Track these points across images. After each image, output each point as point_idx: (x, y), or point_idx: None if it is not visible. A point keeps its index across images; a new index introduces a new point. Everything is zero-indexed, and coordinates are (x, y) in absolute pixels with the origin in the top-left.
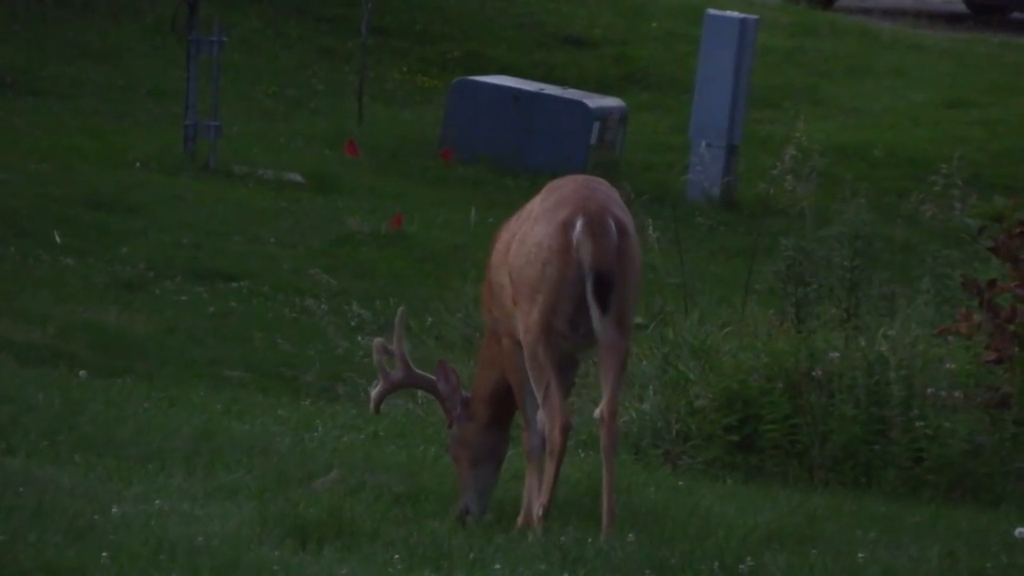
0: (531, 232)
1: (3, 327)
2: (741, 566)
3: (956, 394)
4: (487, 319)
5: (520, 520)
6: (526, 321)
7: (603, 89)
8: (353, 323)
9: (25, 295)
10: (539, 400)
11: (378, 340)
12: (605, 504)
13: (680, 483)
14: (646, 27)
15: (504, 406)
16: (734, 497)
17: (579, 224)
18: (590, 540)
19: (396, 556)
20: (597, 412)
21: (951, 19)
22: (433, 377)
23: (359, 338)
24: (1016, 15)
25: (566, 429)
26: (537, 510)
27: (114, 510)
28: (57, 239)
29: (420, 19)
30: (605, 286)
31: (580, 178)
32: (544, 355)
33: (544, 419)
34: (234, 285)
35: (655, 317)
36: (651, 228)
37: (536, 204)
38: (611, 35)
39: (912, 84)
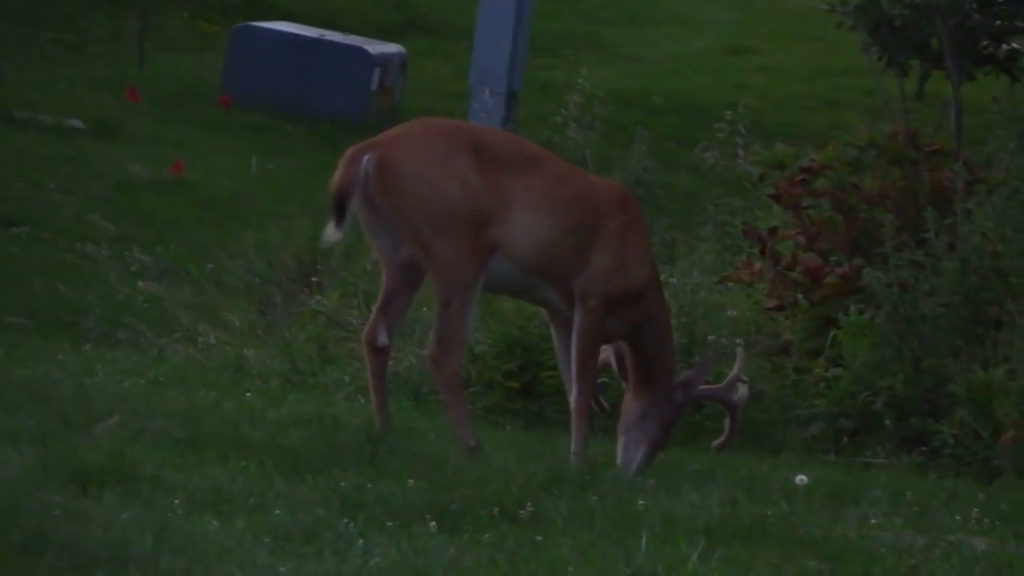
0: None
1: None
2: (521, 512)
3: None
4: None
5: None
6: None
7: (384, 35)
8: (134, 269)
9: None
10: None
11: None
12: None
13: None
14: None
15: None
16: (514, 444)
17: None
18: (369, 485)
19: (176, 501)
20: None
21: None
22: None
23: (140, 284)
24: None
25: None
26: None
27: None
28: None
29: None
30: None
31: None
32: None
33: None
34: (14, 231)
35: None
36: None
37: None
38: None
39: (693, 31)
